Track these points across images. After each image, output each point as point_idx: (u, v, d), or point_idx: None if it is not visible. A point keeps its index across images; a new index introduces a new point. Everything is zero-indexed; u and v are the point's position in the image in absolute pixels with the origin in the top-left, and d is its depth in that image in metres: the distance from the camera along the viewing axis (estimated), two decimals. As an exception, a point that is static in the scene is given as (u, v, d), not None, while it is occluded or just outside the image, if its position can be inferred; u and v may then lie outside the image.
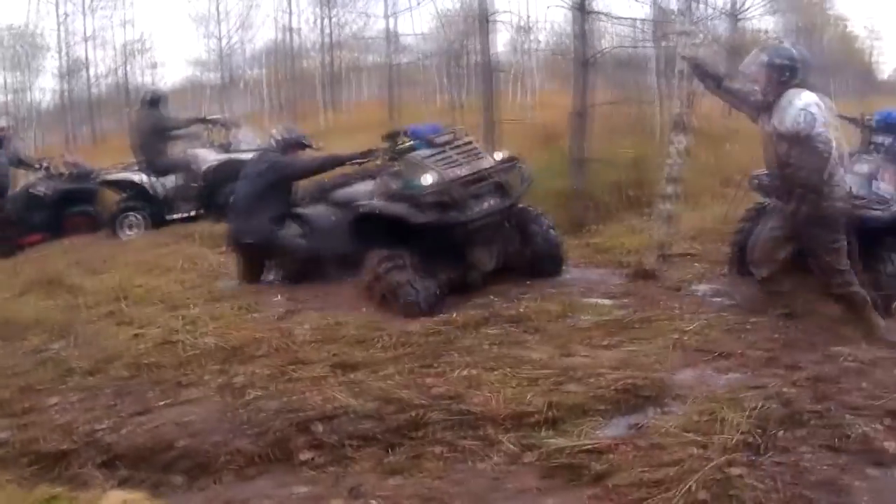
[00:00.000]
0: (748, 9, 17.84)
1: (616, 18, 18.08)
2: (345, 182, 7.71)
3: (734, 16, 17.28)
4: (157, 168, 11.18)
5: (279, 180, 7.36)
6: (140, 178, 11.11)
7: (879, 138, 7.20)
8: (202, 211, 11.12)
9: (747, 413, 3.91)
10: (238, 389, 4.56)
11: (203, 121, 12.00)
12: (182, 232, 9.89)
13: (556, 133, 13.55)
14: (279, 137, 7.65)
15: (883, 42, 58.72)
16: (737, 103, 6.43)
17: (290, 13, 26.35)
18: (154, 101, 11.65)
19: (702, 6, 17.23)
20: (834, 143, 5.36)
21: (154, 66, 31.95)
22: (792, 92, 5.42)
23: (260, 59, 29.55)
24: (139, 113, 12.24)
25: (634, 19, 17.69)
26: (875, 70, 52.92)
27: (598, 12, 16.78)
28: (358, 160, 7.42)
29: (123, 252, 8.98)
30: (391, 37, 24.35)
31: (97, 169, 11.78)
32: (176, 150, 11.73)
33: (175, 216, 11.08)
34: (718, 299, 6.44)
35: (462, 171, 6.62)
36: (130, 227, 10.87)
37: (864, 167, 6.78)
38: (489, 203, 6.66)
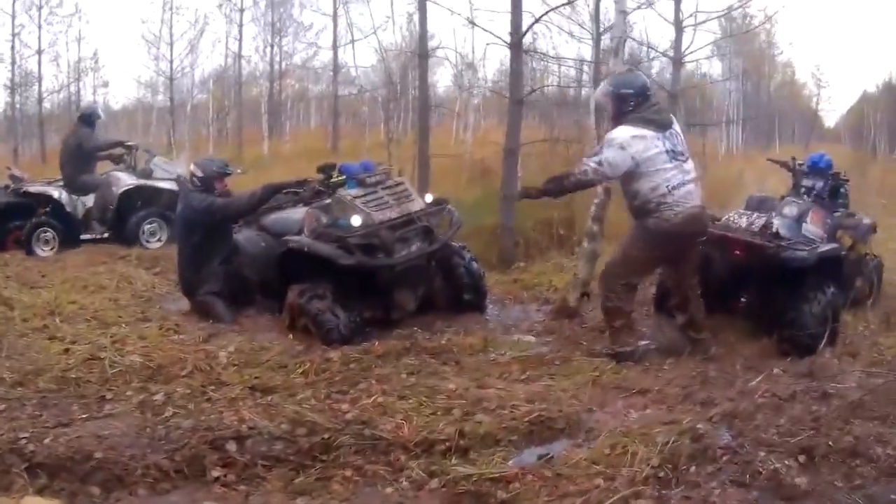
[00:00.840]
0: (692, 52, 18.31)
1: (552, 58, 18.58)
2: (277, 207, 7.68)
3: (677, 61, 17.72)
4: (76, 186, 11.13)
5: (219, 222, 7.23)
6: (59, 193, 11.03)
7: (809, 182, 7.58)
8: (109, 234, 11.09)
9: (658, 448, 4.01)
10: (157, 406, 4.64)
11: (123, 145, 11.87)
12: (120, 252, 9.95)
13: (490, 169, 13.80)
14: (200, 174, 7.31)
15: (829, 90, 60.47)
16: None
17: (241, 39, 26.40)
18: (85, 118, 11.74)
19: (644, 49, 17.85)
20: (668, 177, 5.74)
21: (105, 84, 32.03)
22: (616, 128, 5.85)
23: (207, 84, 29.55)
24: (71, 129, 12.24)
25: (569, 59, 18.21)
26: (821, 118, 54.62)
27: (534, 51, 17.28)
28: (292, 189, 7.51)
29: (61, 268, 9.00)
30: (337, 68, 24.49)
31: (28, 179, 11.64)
32: (100, 171, 11.70)
33: (88, 236, 11.03)
34: (643, 342, 6.51)
35: (391, 214, 6.69)
36: (46, 242, 10.73)
37: (793, 210, 7.09)
38: (416, 246, 6.77)
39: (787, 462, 3.97)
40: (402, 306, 6.95)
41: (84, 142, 11.33)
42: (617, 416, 4.78)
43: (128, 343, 5.88)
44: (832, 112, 60.04)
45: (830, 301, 6.51)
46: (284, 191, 7.52)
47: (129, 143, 11.96)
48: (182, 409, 4.63)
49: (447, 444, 4.23)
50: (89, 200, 11.21)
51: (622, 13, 7.27)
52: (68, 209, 11.04)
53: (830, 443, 4.29)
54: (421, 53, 12.42)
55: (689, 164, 5.93)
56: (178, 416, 4.50)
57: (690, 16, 16.88)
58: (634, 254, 6.02)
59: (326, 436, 4.23)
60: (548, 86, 18.57)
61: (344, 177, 7.14)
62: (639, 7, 14.81)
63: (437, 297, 7.35)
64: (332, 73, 26.86)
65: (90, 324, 6.75)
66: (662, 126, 5.85)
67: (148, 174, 11.40)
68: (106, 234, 11.07)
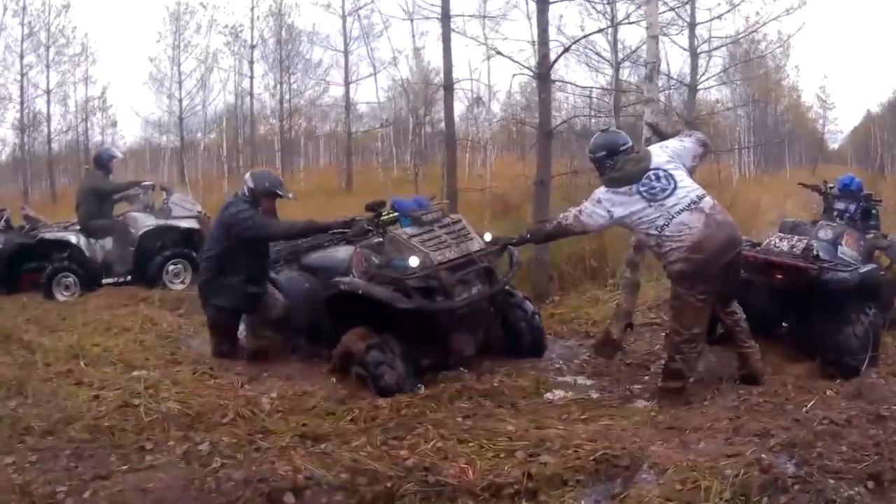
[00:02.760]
0: (705, 80, 18.30)
1: (579, 87, 18.51)
2: (319, 245, 7.37)
3: (692, 87, 17.69)
4: (93, 230, 10.95)
5: (251, 239, 6.75)
6: (77, 238, 10.85)
7: (841, 205, 7.62)
8: (131, 277, 10.89)
9: (729, 481, 3.91)
10: (203, 457, 4.45)
11: (138, 184, 11.64)
12: (141, 294, 9.73)
13: (513, 202, 13.64)
14: (251, 185, 6.88)
15: (835, 111, 60.85)
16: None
17: (252, 77, 26.40)
18: (99, 160, 11.49)
19: (662, 77, 17.77)
20: (651, 220, 5.66)
21: (114, 124, 32.14)
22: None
23: (218, 122, 29.58)
24: (86, 172, 12.08)
25: (595, 89, 18.16)
26: (826, 140, 54.73)
27: (562, 81, 17.19)
28: (339, 229, 6.96)
29: (81, 311, 8.80)
30: (349, 105, 24.45)
31: (51, 224, 11.55)
32: (117, 213, 11.51)
33: (110, 280, 10.82)
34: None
35: (450, 254, 6.28)
36: (67, 287, 10.59)
37: (828, 233, 7.10)
38: (476, 289, 6.37)
39: (857, 489, 3.94)
40: (461, 352, 6.56)
41: (98, 185, 11.14)
42: (680, 452, 4.59)
43: (161, 389, 5.68)
44: (837, 134, 60.03)
45: (872, 322, 6.53)
46: (331, 231, 7.11)
47: (144, 183, 11.76)
48: (230, 459, 4.43)
49: (515, 486, 4.07)
50: (108, 243, 11.06)
51: (653, 38, 7.10)
52: (87, 254, 10.85)
53: None
54: (446, 86, 12.14)
55: (680, 192, 5.72)
56: (228, 466, 4.30)
57: (704, 42, 16.95)
58: (678, 304, 5.86)
59: (389, 484, 4.05)
60: (577, 116, 18.54)
61: (396, 214, 6.65)
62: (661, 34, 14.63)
63: (494, 342, 6.94)
64: (340, 110, 26.97)
65: (116, 367, 6.56)
66: (634, 177, 5.79)
67: (167, 213, 11.27)
68: (128, 277, 10.88)
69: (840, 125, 71.00)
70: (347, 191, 22.26)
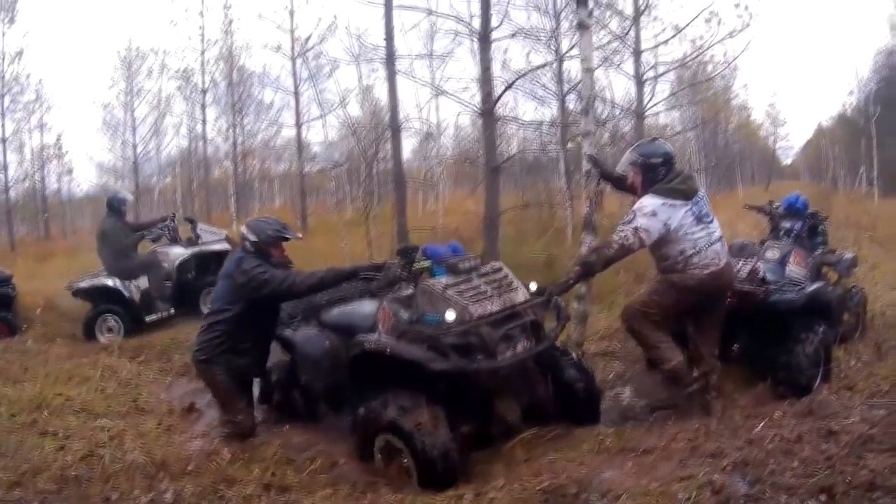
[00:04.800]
0: (652, 106, 18.58)
1: (524, 123, 18.77)
2: (340, 299, 6.65)
3: (640, 114, 17.99)
4: (119, 272, 10.91)
5: (267, 298, 5.98)
6: (113, 282, 10.83)
7: (787, 224, 7.81)
8: (174, 310, 11.01)
9: None
10: None
11: (153, 227, 11.68)
12: (100, 345, 9.78)
13: (466, 238, 13.81)
14: (252, 238, 6.11)
15: (786, 127, 61.80)
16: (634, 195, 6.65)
17: (205, 121, 26.48)
18: (111, 206, 11.44)
19: (607, 105, 18.17)
20: (691, 240, 5.80)
21: (70, 171, 32.07)
22: (643, 198, 5.88)
23: (172, 167, 29.56)
24: (101, 218, 12.12)
25: (541, 122, 18.41)
26: (779, 156, 55.53)
27: (507, 118, 17.46)
28: (367, 275, 6.13)
29: (43, 361, 8.78)
30: (301, 145, 24.58)
31: (7, 274, 11.44)
32: (142, 250, 11.54)
33: (154, 317, 10.88)
34: (641, 400, 6.66)
35: (491, 306, 5.41)
36: (110, 330, 10.67)
37: (775, 253, 7.29)
38: (522, 345, 5.47)
39: (810, 503, 4.01)
40: (505, 418, 5.66)
41: (111, 232, 11.08)
42: (633, 476, 4.68)
43: (126, 438, 5.77)
44: (789, 150, 61.11)
45: (822, 339, 6.61)
46: (358, 278, 6.25)
47: (161, 224, 11.71)
48: None
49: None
50: (143, 282, 11.07)
51: (588, 71, 7.31)
52: (126, 295, 10.86)
53: (848, 479, 4.29)
54: (393, 127, 12.37)
55: (715, 224, 5.98)
56: None
57: (651, 68, 17.34)
58: (656, 298, 6.05)
59: None
60: (524, 152, 18.77)
61: (429, 263, 6.01)
62: (601, 65, 15.02)
63: (542, 406, 5.94)
64: (293, 151, 27.03)
65: (80, 416, 6.61)
66: (691, 194, 5.91)
67: (196, 241, 11.38)
68: (171, 311, 11.00)
69: (792, 140, 72.46)
70: (304, 230, 22.32)
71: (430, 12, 12.40)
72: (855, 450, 4.81)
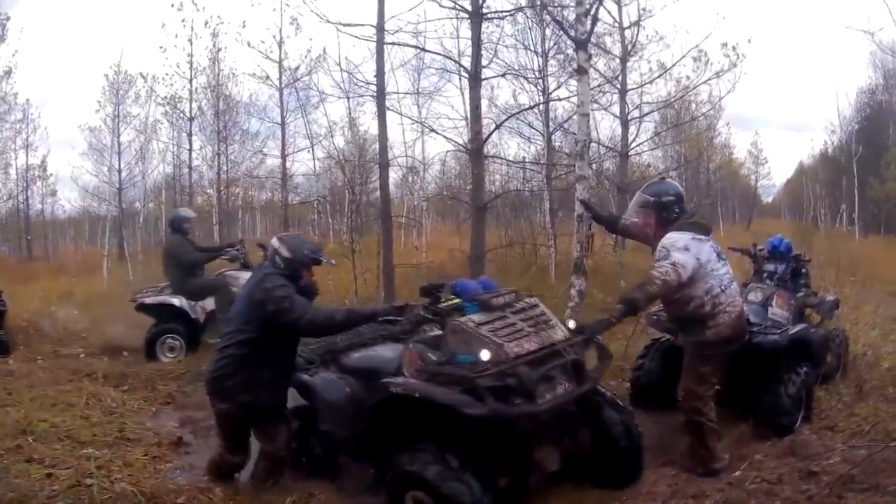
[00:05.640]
0: (637, 146, 18.77)
1: (512, 162, 18.93)
2: (361, 343, 6.26)
3: (624, 154, 18.18)
4: (185, 291, 10.88)
5: (282, 325, 5.38)
6: (179, 301, 10.80)
7: (770, 266, 7.93)
8: None
9: None
10: None
11: (220, 252, 11.60)
12: (85, 370, 9.68)
13: (450, 275, 13.83)
14: (286, 255, 5.61)
15: (768, 165, 62.45)
16: (636, 238, 6.77)
17: (191, 148, 26.50)
18: (173, 225, 11.41)
19: (593, 146, 18.39)
20: (717, 277, 5.73)
21: (53, 193, 32.02)
22: (667, 235, 5.76)
23: (157, 193, 29.55)
24: (166, 238, 12.00)
25: (528, 162, 18.58)
26: (760, 194, 55.93)
27: (495, 157, 17.63)
28: (389, 318, 5.56)
29: (27, 385, 8.76)
30: (286, 176, 24.61)
31: None
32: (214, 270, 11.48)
33: (217, 340, 10.70)
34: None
35: (529, 345, 4.97)
36: (171, 349, 10.69)
37: (758, 295, 7.40)
38: (563, 387, 5.01)
39: None
40: (544, 468, 5.16)
41: (177, 249, 11.06)
42: None
43: (113, 469, 5.73)
44: (770, 188, 61.64)
45: (805, 380, 6.74)
46: (380, 320, 5.76)
47: (231, 250, 11.51)
48: None
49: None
50: (209, 303, 11.00)
51: (584, 116, 7.42)
52: (192, 316, 10.86)
53: None
54: (382, 163, 12.45)
55: (728, 264, 6.00)
56: None
57: (636, 108, 17.56)
58: (704, 370, 5.84)
59: None
60: (511, 191, 18.87)
61: (458, 300, 5.42)
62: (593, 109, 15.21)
63: (580, 454, 5.42)
64: (276, 181, 27.03)
65: (65, 444, 6.56)
66: (709, 230, 6.00)
67: None
68: None
69: (773, 178, 73.00)
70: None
71: (421, 49, 12.52)
72: (835, 490, 4.97)
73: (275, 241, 5.76)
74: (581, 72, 7.31)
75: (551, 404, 4.82)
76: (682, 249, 5.60)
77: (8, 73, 26.07)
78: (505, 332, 4.97)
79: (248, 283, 5.74)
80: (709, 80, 17.51)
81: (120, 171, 27.16)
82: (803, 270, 8.21)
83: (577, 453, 5.35)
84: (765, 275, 7.94)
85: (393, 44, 11.90)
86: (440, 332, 5.28)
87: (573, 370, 5.16)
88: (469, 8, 11.05)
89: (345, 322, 5.48)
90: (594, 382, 5.28)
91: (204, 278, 11.19)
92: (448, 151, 21.22)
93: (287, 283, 5.43)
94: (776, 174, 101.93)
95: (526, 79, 16.88)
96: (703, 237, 5.82)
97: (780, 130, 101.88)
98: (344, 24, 11.01)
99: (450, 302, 5.36)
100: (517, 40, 16.67)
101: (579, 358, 5.20)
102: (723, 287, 5.79)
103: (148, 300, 10.99)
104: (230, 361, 5.45)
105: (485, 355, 4.75)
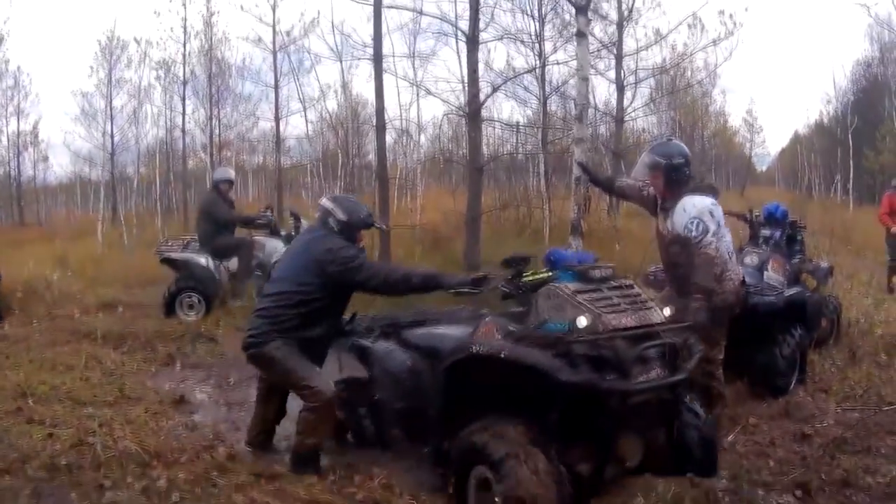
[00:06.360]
0: (632, 111, 18.77)
1: (508, 125, 18.94)
2: (425, 320, 5.81)
3: (619, 119, 18.17)
4: (212, 248, 10.90)
5: (347, 285, 5.26)
6: (206, 260, 10.85)
7: (766, 231, 8.05)
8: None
9: (661, 496, 4.15)
10: (162, 493, 4.49)
11: (254, 223, 11.45)
12: (83, 330, 9.66)
13: (444, 236, 13.89)
14: (342, 217, 5.38)
15: (763, 134, 62.58)
16: (633, 201, 6.80)
17: (184, 112, 26.35)
18: (215, 183, 11.42)
19: (589, 111, 18.42)
20: (724, 244, 5.74)
21: (45, 159, 32.00)
22: (687, 199, 5.70)
23: (149, 157, 29.44)
24: (205, 194, 11.93)
25: (524, 125, 18.58)
26: (754, 162, 55.99)
27: (491, 119, 17.64)
28: (466, 289, 5.03)
29: (25, 348, 8.76)
30: (280, 139, 24.54)
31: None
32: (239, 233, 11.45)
33: (238, 302, 10.77)
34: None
35: (627, 321, 4.45)
36: (191, 307, 10.72)
37: (754, 259, 7.50)
38: (657, 372, 4.43)
39: (786, 497, 4.25)
40: (625, 460, 4.55)
41: (211, 208, 11.07)
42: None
43: (115, 427, 5.71)
44: (765, 156, 61.71)
45: (799, 342, 6.83)
46: (455, 290, 5.13)
47: (261, 218, 11.43)
48: (189, 493, 4.52)
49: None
50: (233, 264, 11.01)
51: (584, 80, 7.42)
52: (216, 276, 10.87)
53: (823, 476, 4.61)
54: (378, 126, 12.46)
55: None
56: (187, 500, 4.43)
57: (631, 73, 17.54)
58: (718, 336, 5.79)
59: None
60: (506, 154, 18.87)
61: (543, 274, 5.07)
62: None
63: (656, 451, 4.72)
64: (269, 144, 27.03)
65: (65, 405, 6.57)
66: (719, 195, 6.00)
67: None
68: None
69: (768, 147, 73.13)
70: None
71: (419, 12, 12.47)
72: (829, 451, 5.13)
73: (327, 202, 5.53)
74: (581, 36, 7.30)
75: (647, 386, 4.32)
76: (711, 217, 5.59)
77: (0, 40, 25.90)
78: (602, 304, 4.48)
79: (299, 244, 5.59)
80: (705, 47, 17.48)
81: (112, 136, 27.08)
82: (798, 237, 8.33)
83: (652, 452, 4.71)
84: (760, 240, 8.06)
85: (392, 7, 11.83)
86: (521, 308, 4.90)
87: (671, 356, 4.60)
88: (467, -30, 10.94)
89: (420, 285, 5.20)
90: (687, 373, 4.57)
91: (232, 238, 11.16)
92: (445, 114, 21.16)
93: (350, 244, 5.30)
94: (771, 144, 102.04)
95: (522, 42, 16.82)
96: (716, 201, 5.80)
97: (776, 100, 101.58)
98: (343, -12, 10.96)
99: (535, 276, 5.07)
100: (514, 4, 16.58)
101: (677, 345, 4.64)
102: (729, 253, 5.84)
103: (174, 255, 11.02)
104: (281, 317, 5.21)
105: (582, 322, 4.31)
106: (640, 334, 4.43)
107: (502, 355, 4.25)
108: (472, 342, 4.52)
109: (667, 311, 4.77)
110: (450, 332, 5.23)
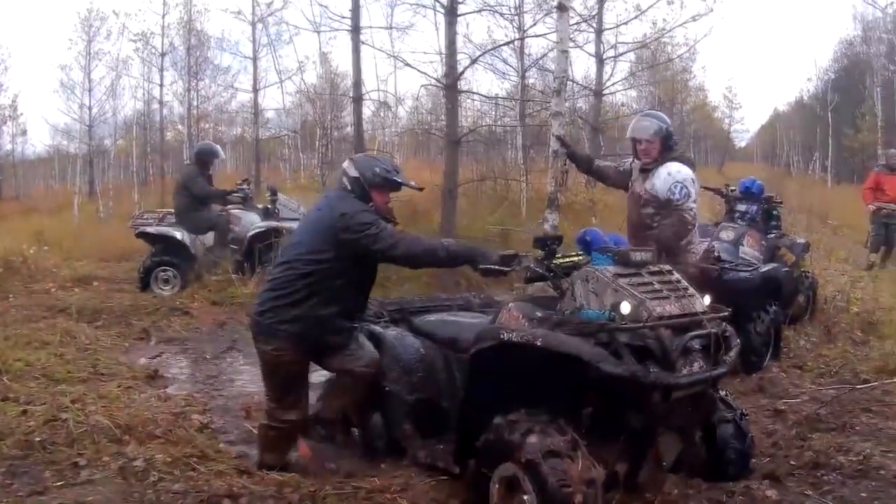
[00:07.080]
0: (611, 85, 18.76)
1: (486, 97, 18.89)
2: (434, 307, 5.64)
3: (598, 93, 18.16)
4: (188, 221, 10.80)
5: (364, 256, 4.66)
6: (181, 234, 10.75)
7: (742, 207, 8.10)
8: (239, 273, 10.70)
9: None
10: (139, 472, 4.44)
11: (228, 195, 11.22)
12: (59, 305, 9.61)
13: (421, 209, 13.87)
14: (354, 174, 4.79)
15: (742, 111, 63.01)
16: (608, 182, 6.80)
17: (162, 84, 26.09)
18: (198, 156, 11.27)
19: (567, 85, 18.37)
20: (695, 213, 5.84)
21: (24, 132, 31.82)
22: (672, 164, 5.82)
23: (127, 129, 29.23)
24: (185, 166, 11.82)
25: (502, 98, 18.53)
26: (733, 139, 56.35)
27: (468, 91, 17.58)
28: (497, 269, 4.48)
29: (1, 324, 8.63)
30: (258, 111, 24.44)
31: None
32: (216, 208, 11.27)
33: (217, 277, 10.66)
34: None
35: (672, 309, 4.01)
36: (166, 282, 10.70)
37: (729, 234, 7.59)
38: (699, 365, 4.00)
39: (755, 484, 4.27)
40: (661, 459, 4.28)
41: (190, 182, 10.90)
42: None
43: (88, 402, 5.66)
44: (744, 133, 62.00)
45: (773, 318, 6.87)
46: (484, 268, 4.55)
47: (236, 192, 11.27)
48: (167, 474, 4.47)
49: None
50: (208, 239, 10.97)
51: (563, 53, 7.37)
52: (191, 250, 10.81)
53: (792, 461, 4.65)
54: (356, 97, 12.48)
55: None
56: (165, 480, 4.37)
57: (611, 47, 17.50)
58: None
59: (312, 489, 4.23)
60: (483, 126, 18.84)
61: (576, 257, 4.59)
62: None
63: (689, 451, 4.45)
64: (247, 116, 26.89)
65: (40, 381, 6.48)
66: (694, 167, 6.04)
67: (273, 214, 11.12)
68: (234, 275, 10.63)
69: (747, 124, 73.39)
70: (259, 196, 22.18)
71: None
72: (801, 431, 5.16)
73: (345, 164, 4.98)
74: (561, 8, 7.23)
75: (692, 379, 3.90)
76: (692, 184, 5.78)
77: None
78: (644, 289, 4.04)
79: (317, 208, 4.96)
80: (685, 23, 17.45)
81: (90, 108, 26.78)
82: (775, 213, 8.33)
83: (687, 452, 4.43)
84: (736, 215, 8.10)
85: (370, -22, 11.78)
86: (552, 292, 4.47)
87: (715, 348, 4.08)
88: (447, -59, 10.85)
89: (447, 260, 4.67)
90: (730, 366, 4.16)
91: (208, 212, 11.08)
92: (422, 86, 20.96)
93: (369, 209, 4.68)
94: (750, 121, 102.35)
95: (502, 15, 16.73)
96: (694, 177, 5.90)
97: (756, 78, 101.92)
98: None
99: (568, 258, 4.53)
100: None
101: (721, 335, 4.11)
102: (696, 225, 5.93)
103: (150, 229, 10.92)
104: (293, 290, 4.60)
105: (625, 308, 3.85)
106: (685, 323, 4.03)
107: (538, 343, 3.86)
108: (500, 328, 4.15)
109: (706, 300, 4.28)
110: (467, 320, 5.01)
